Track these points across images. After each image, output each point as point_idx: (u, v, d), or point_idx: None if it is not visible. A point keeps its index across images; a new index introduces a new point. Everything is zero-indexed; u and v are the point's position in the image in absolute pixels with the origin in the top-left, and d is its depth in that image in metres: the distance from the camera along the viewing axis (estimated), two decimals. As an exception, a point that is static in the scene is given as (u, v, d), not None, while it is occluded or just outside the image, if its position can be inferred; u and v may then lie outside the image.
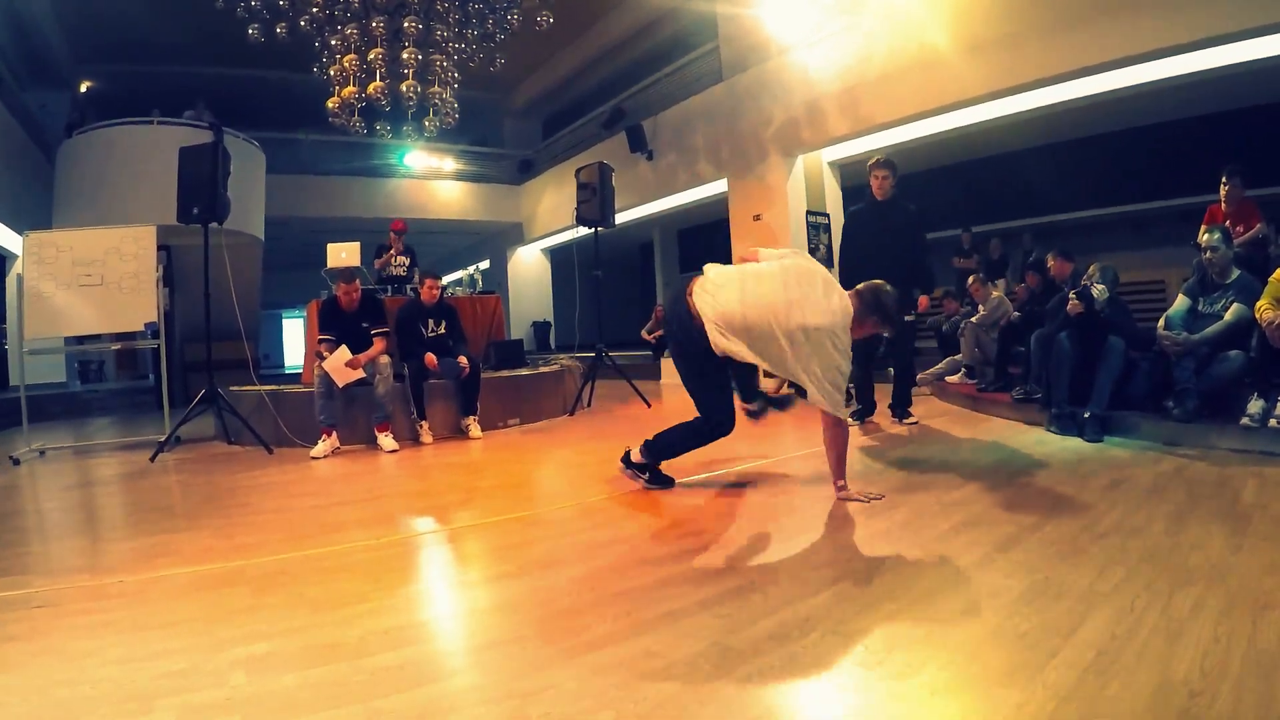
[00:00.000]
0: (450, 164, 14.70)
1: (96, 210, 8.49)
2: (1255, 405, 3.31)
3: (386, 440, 4.70)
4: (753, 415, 3.26)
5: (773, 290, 2.66)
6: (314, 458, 4.47)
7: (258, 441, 4.87)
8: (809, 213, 9.39)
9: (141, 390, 10.42)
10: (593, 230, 6.65)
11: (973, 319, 5.87)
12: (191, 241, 5.95)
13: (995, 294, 6.05)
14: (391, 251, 6.67)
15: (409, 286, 6.33)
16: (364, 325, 4.85)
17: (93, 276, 5.29)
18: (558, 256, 16.12)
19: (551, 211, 14.21)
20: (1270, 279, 3.41)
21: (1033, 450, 3.58)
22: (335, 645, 1.65)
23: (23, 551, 2.67)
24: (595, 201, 6.55)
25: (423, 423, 4.97)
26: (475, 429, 5.12)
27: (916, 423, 4.60)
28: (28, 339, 5.26)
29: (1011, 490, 2.79)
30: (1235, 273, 3.74)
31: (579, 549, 2.35)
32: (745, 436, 3.42)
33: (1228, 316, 3.62)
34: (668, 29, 12.34)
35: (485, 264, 16.94)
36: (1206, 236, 3.80)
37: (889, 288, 2.75)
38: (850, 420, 4.65)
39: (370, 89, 7.22)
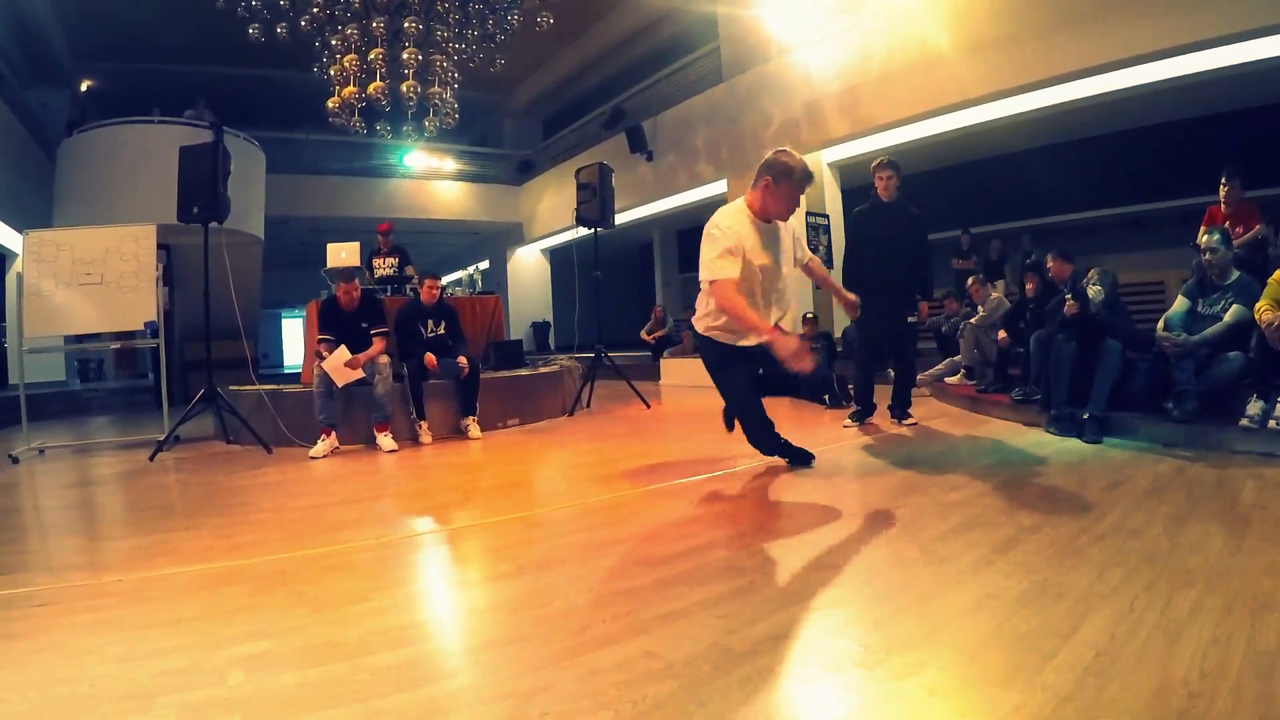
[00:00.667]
0: (450, 164, 14.71)
1: (97, 209, 8.50)
2: (1254, 406, 3.31)
3: (386, 440, 4.70)
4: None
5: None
6: (313, 457, 4.47)
7: (257, 441, 4.87)
8: (809, 214, 9.38)
9: (141, 389, 10.41)
10: (592, 231, 6.65)
11: (972, 320, 5.87)
12: (191, 241, 5.96)
13: (994, 295, 6.06)
14: (382, 254, 6.64)
15: (408, 286, 6.32)
16: (363, 325, 4.85)
17: (93, 275, 5.29)
18: (557, 257, 16.13)
19: (551, 212, 14.21)
20: (1269, 280, 3.41)
21: (1032, 451, 3.58)
22: (334, 644, 1.65)
23: (22, 549, 2.67)
24: (595, 202, 6.55)
25: (422, 423, 4.97)
26: (474, 429, 5.12)
27: (916, 424, 4.60)
28: (27, 337, 5.26)
29: (1010, 492, 2.79)
30: (1234, 274, 3.74)
31: (578, 549, 2.35)
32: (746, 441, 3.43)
33: (1227, 318, 3.62)
34: (668, 29, 12.35)
35: (485, 264, 16.95)
36: (1206, 238, 3.80)
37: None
38: (849, 421, 4.67)
39: (370, 89, 7.23)
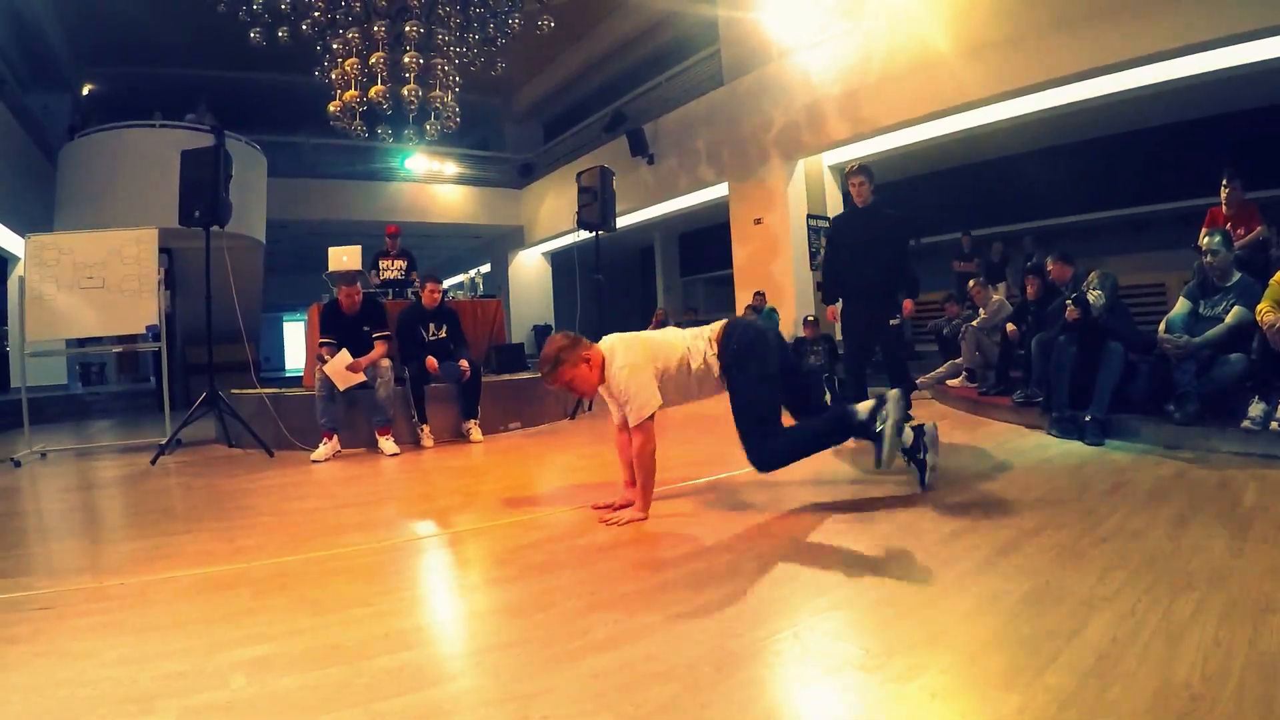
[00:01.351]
0: (451, 168, 14.73)
1: (98, 213, 8.52)
2: (1256, 408, 3.31)
3: (387, 444, 4.70)
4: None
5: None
6: (315, 461, 4.47)
7: (259, 444, 4.87)
8: (809, 216, 9.41)
9: (142, 393, 10.43)
10: (594, 234, 6.66)
11: (973, 322, 5.87)
12: (193, 244, 5.97)
13: (996, 297, 6.06)
14: (390, 256, 6.66)
15: (409, 290, 6.33)
16: (365, 329, 4.85)
17: (94, 279, 5.30)
18: (558, 260, 16.14)
19: (552, 215, 14.23)
20: (1271, 281, 3.41)
21: (1033, 454, 3.57)
22: (336, 648, 1.65)
23: (24, 553, 2.68)
24: (596, 205, 6.56)
25: (424, 426, 4.97)
26: (476, 432, 5.12)
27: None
28: (29, 341, 5.27)
29: (1012, 494, 2.79)
30: (1236, 275, 3.74)
31: (579, 553, 2.35)
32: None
33: (1228, 319, 3.62)
34: (669, 33, 12.37)
35: (486, 267, 16.98)
36: (1207, 239, 3.80)
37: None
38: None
39: (372, 93, 7.25)
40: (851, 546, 2.25)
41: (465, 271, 16.50)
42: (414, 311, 5.25)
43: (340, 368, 4.63)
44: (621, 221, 8.50)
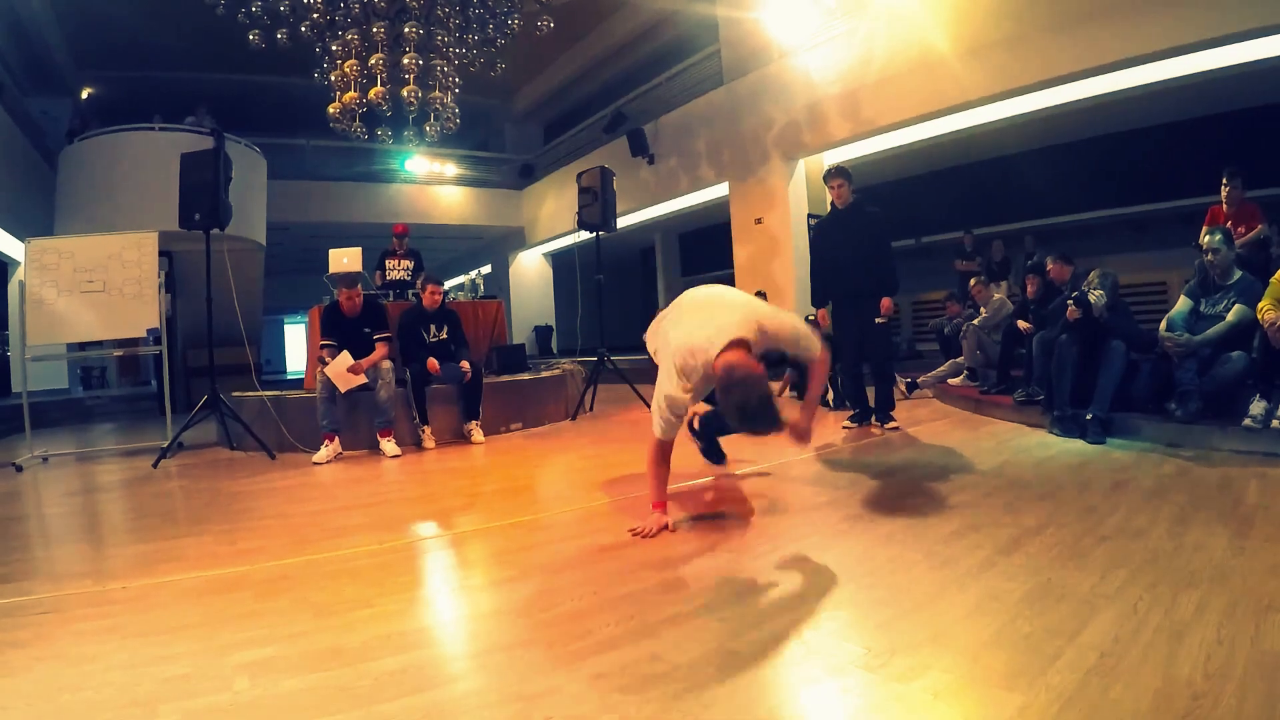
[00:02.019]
0: (451, 169, 14.73)
1: (98, 216, 8.51)
2: (1257, 406, 3.31)
3: (389, 445, 4.70)
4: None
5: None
6: (316, 463, 4.48)
7: (260, 447, 4.87)
8: (810, 216, 9.39)
9: (144, 396, 10.43)
10: (594, 234, 6.66)
11: (974, 321, 5.87)
12: (193, 247, 5.97)
13: (997, 296, 6.05)
14: (397, 256, 6.66)
15: (410, 291, 6.33)
16: (366, 330, 4.86)
17: (95, 283, 5.30)
18: (559, 261, 16.14)
19: (553, 216, 14.23)
20: (1272, 280, 3.41)
21: (1035, 453, 3.57)
22: (338, 650, 1.65)
23: (26, 557, 2.68)
24: (597, 206, 6.57)
25: (425, 428, 4.98)
26: (478, 434, 5.12)
27: (898, 428, 4.54)
28: (30, 345, 5.27)
29: (1013, 493, 2.79)
30: (1237, 274, 3.74)
31: (582, 553, 2.35)
32: (747, 442, 3.42)
33: (1230, 318, 3.62)
34: (669, 33, 12.37)
35: (487, 269, 16.98)
36: (1208, 238, 3.80)
37: (755, 398, 2.15)
38: (848, 424, 4.68)
39: (371, 94, 7.24)
40: (853, 546, 2.25)
41: (466, 273, 16.53)
42: (415, 313, 5.26)
43: (341, 370, 4.63)
44: (622, 222, 8.51)
